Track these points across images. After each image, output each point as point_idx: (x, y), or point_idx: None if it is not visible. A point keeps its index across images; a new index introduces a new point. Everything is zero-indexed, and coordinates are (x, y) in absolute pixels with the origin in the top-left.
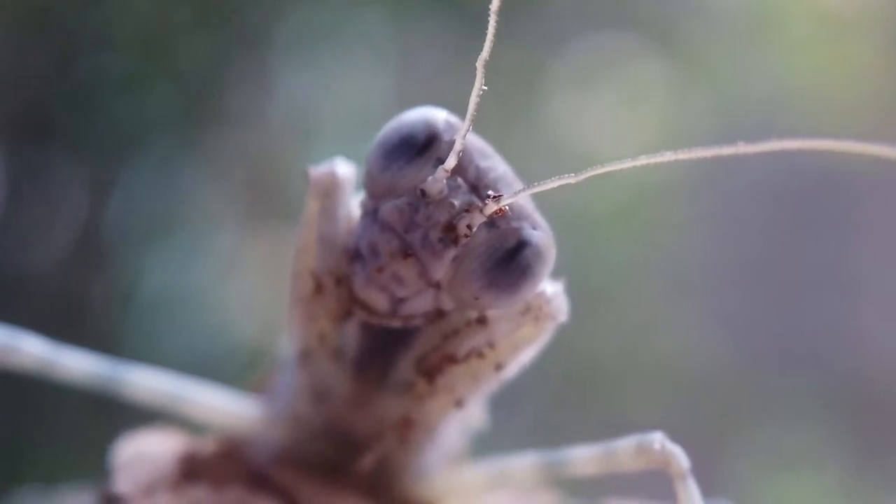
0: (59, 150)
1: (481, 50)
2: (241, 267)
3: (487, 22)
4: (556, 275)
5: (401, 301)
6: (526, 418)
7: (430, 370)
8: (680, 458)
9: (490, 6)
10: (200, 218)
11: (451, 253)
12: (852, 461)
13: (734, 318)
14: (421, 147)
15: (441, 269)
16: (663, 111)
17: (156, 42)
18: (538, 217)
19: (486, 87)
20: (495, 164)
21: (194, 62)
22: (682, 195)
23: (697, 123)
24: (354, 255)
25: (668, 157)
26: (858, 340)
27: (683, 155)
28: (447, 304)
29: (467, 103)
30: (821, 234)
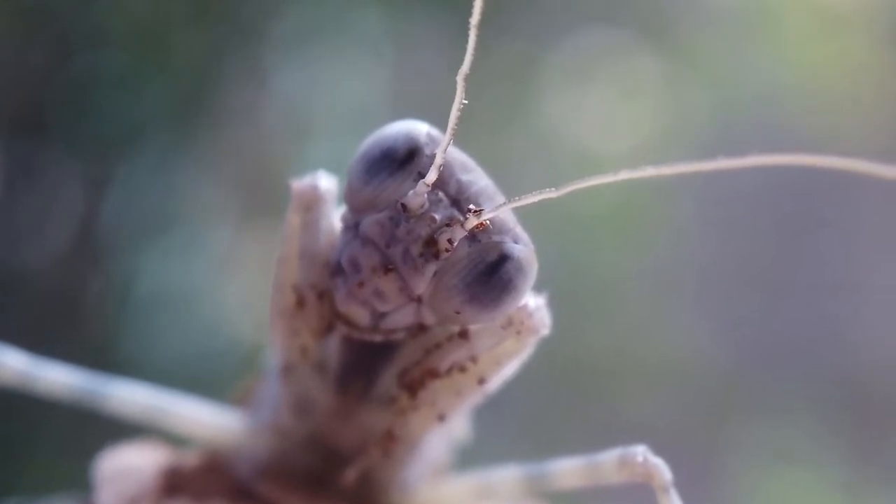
0: (54, 148)
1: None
2: (236, 264)
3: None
4: (540, 286)
5: (382, 315)
6: (522, 416)
7: (413, 384)
8: (662, 470)
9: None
10: (196, 215)
11: (432, 267)
12: (849, 457)
13: (731, 318)
14: (402, 161)
15: (422, 284)
16: (659, 107)
17: (152, 39)
18: (520, 231)
19: (466, 101)
20: (476, 178)
21: (190, 60)
22: (678, 195)
23: (693, 119)
24: (336, 270)
25: (650, 171)
26: (855, 339)
27: (666, 170)
28: (429, 318)
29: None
30: (817, 233)
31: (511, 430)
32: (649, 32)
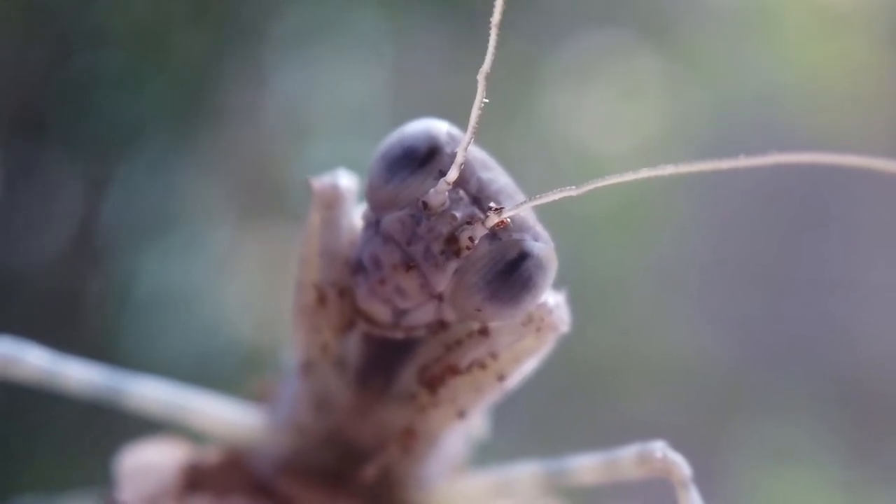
0: (54, 148)
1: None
2: (236, 264)
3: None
4: (557, 282)
5: (403, 312)
6: (528, 415)
7: (433, 381)
8: (682, 466)
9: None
10: (196, 215)
11: (453, 265)
12: (850, 456)
13: (734, 316)
14: (423, 159)
15: (443, 282)
16: (661, 107)
17: (152, 39)
18: (540, 229)
19: (487, 100)
20: (497, 176)
21: (190, 59)
22: (680, 194)
23: (693, 119)
24: (357, 267)
25: (668, 170)
26: (856, 337)
27: (684, 168)
28: (449, 315)
29: (462, 100)
30: (819, 231)
31: (514, 427)
32: (649, 32)
